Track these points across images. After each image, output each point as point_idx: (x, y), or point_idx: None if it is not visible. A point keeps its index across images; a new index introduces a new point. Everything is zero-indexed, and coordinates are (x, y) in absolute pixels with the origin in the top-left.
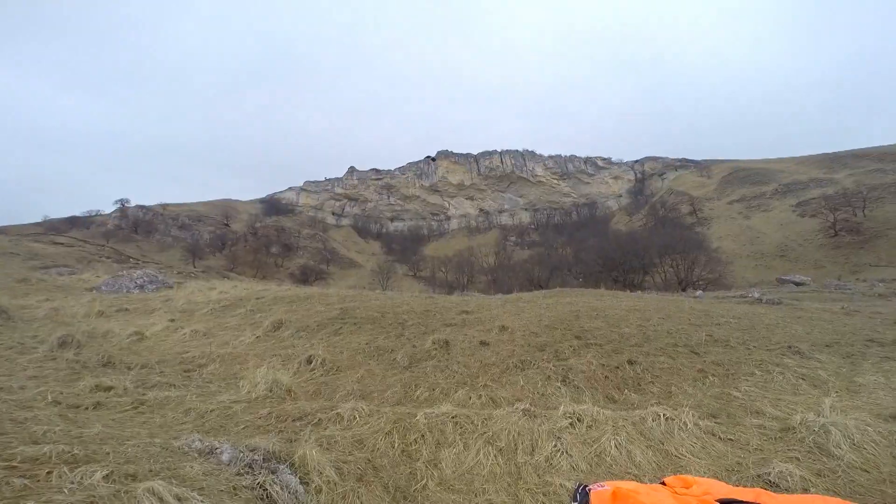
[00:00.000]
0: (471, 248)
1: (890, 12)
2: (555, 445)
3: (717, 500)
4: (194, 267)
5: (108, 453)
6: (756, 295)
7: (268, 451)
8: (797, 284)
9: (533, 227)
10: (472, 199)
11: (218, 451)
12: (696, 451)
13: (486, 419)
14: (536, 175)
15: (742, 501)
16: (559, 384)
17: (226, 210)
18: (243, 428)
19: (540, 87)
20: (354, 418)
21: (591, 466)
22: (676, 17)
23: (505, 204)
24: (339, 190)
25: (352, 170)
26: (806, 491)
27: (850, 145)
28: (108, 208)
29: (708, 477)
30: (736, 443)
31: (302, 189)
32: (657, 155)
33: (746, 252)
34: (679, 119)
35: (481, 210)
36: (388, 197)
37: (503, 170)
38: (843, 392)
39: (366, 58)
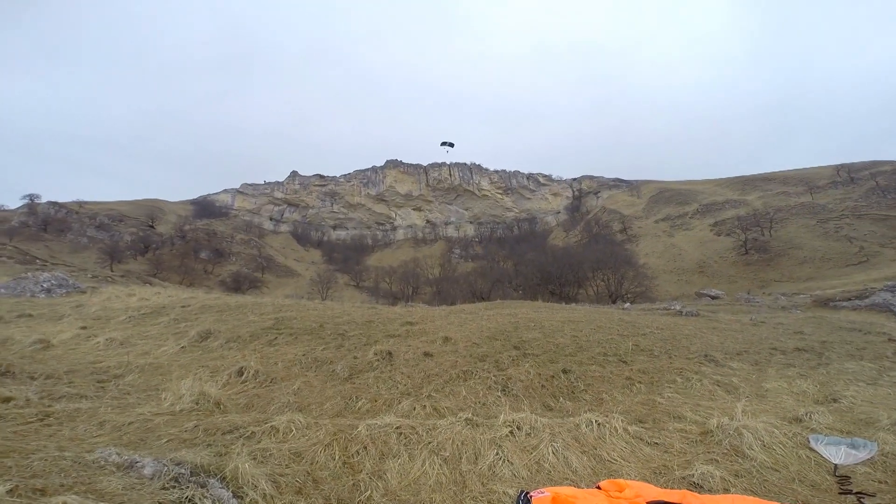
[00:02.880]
0: (416, 259)
1: (812, 44)
2: (497, 454)
3: (647, 503)
4: (112, 271)
5: (11, 467)
6: (677, 307)
7: (195, 465)
8: (713, 298)
9: (477, 240)
10: (419, 209)
11: (139, 464)
12: (627, 455)
13: (430, 429)
14: (482, 189)
15: (669, 503)
16: (499, 393)
17: (151, 210)
18: (166, 441)
19: (506, 98)
20: (291, 431)
21: (531, 473)
22: (639, 41)
23: (451, 216)
24: (279, 194)
25: (294, 174)
26: (727, 491)
27: (762, 169)
28: (14, 203)
29: (638, 480)
30: (661, 446)
31: (238, 191)
32: (594, 174)
33: (670, 268)
34: (622, 137)
35: (428, 221)
36: (332, 204)
37: (451, 182)
38: (753, 397)
39: (331, 50)
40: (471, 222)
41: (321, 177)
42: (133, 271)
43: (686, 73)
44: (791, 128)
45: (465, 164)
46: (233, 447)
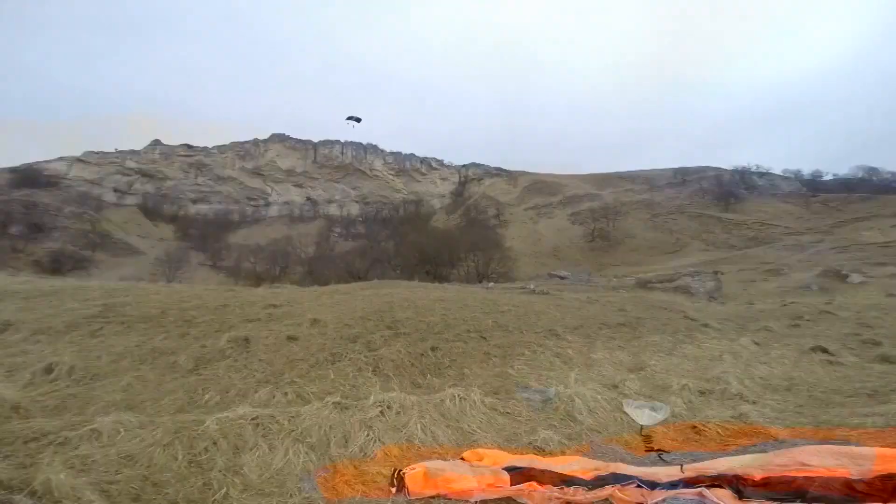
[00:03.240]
0: (289, 237)
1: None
2: (367, 434)
3: (502, 468)
4: None
5: None
6: (532, 287)
7: None
8: (561, 278)
9: (361, 219)
10: (300, 186)
11: None
12: (484, 425)
13: (293, 417)
14: (374, 169)
15: (520, 466)
16: (370, 374)
17: None
18: None
19: (422, 79)
20: (118, 433)
21: (402, 451)
22: (554, 40)
23: (336, 195)
24: (131, 164)
25: (156, 142)
26: (563, 453)
27: (620, 168)
28: None
29: (494, 448)
30: (512, 415)
31: (79, 160)
32: (480, 162)
33: (531, 251)
34: (518, 131)
35: (308, 198)
36: (197, 176)
37: (342, 160)
38: (583, 367)
39: (236, 11)
40: (356, 201)
41: (189, 146)
42: None
43: (585, 77)
44: (654, 133)
45: (361, 143)
46: (40, 456)
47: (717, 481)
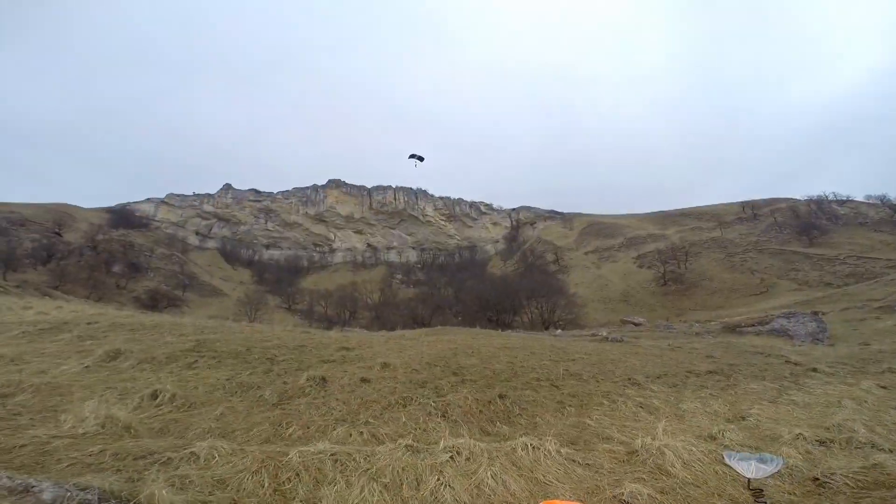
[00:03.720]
0: (355, 283)
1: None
2: (438, 479)
3: None
4: (5, 280)
5: None
6: (604, 333)
7: (104, 491)
8: (636, 325)
9: (419, 266)
10: (360, 232)
11: (36, 489)
12: (561, 476)
13: (368, 456)
14: (426, 214)
15: None
16: (439, 419)
17: (60, 216)
18: (67, 466)
19: (464, 120)
20: (214, 457)
21: (472, 497)
22: (594, 76)
23: (394, 241)
24: (208, 207)
25: (227, 187)
26: None
27: (681, 205)
28: None
29: (573, 500)
30: (592, 467)
31: (163, 202)
32: (530, 205)
33: (597, 297)
34: (566, 170)
35: (369, 245)
36: (266, 222)
37: (395, 206)
38: (672, 417)
39: (294, 58)
40: (413, 248)
41: (257, 192)
42: (31, 282)
43: (630, 111)
44: (712, 167)
45: (411, 188)
46: (147, 473)
47: None
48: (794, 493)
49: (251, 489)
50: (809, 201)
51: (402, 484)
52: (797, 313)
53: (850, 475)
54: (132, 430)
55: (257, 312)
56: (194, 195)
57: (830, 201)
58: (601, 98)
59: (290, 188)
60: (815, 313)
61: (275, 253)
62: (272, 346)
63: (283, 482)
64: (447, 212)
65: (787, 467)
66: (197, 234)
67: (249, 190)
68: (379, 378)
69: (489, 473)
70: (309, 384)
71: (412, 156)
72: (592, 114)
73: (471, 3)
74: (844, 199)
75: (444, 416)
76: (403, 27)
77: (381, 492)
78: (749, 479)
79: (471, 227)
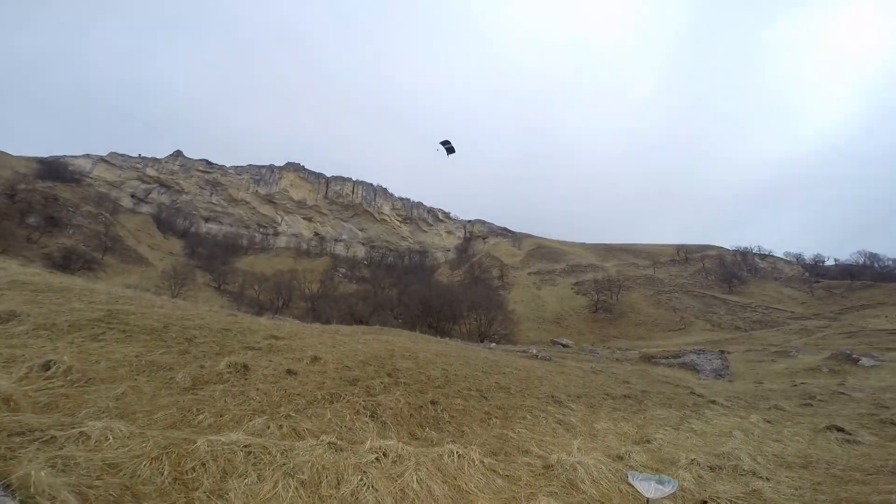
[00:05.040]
0: (295, 270)
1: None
2: (361, 479)
3: None
4: None
5: None
6: (534, 351)
7: None
8: (564, 346)
9: (366, 262)
10: (310, 220)
11: None
12: (482, 486)
13: (286, 450)
14: (382, 213)
15: None
16: (367, 419)
17: None
18: None
19: (445, 125)
20: (107, 439)
21: (395, 501)
22: (573, 101)
23: (343, 234)
24: (151, 172)
25: (178, 153)
26: None
27: (625, 238)
28: None
29: None
30: (511, 478)
31: (103, 159)
32: (485, 220)
33: (533, 316)
34: (529, 191)
35: (317, 234)
36: (212, 195)
37: (352, 199)
38: (587, 435)
39: (284, 31)
40: (363, 243)
41: (208, 163)
42: None
43: (605, 140)
44: (663, 204)
45: (371, 184)
46: (23, 451)
47: None
48: None
49: (148, 476)
50: (736, 252)
51: (320, 482)
52: (706, 350)
53: (734, 499)
54: (12, 403)
55: (182, 288)
56: (139, 157)
57: (754, 254)
58: (580, 123)
59: (244, 164)
60: (722, 352)
61: (213, 227)
62: (193, 325)
63: (187, 471)
64: (404, 213)
65: (681, 489)
66: (133, 196)
67: (201, 160)
68: (307, 371)
69: (415, 478)
70: (228, 370)
71: (444, 142)
72: (567, 138)
73: (467, 14)
74: (766, 253)
75: (373, 417)
76: (400, 24)
77: (296, 488)
78: (648, 499)
79: (426, 231)
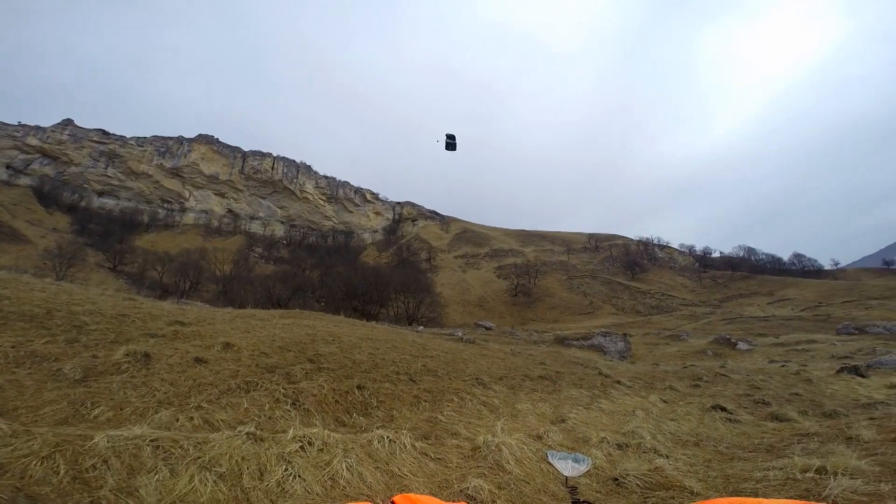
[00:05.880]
0: (204, 249)
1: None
2: (286, 469)
3: None
4: None
5: None
6: (459, 334)
7: None
8: (487, 329)
9: (285, 242)
10: (223, 195)
11: None
12: (415, 470)
13: (200, 443)
14: (305, 191)
15: None
16: (289, 407)
17: None
18: None
19: (391, 107)
20: None
21: (325, 489)
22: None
23: (261, 211)
24: (33, 141)
25: (67, 122)
26: (494, 503)
27: (545, 225)
28: None
29: (426, 494)
30: (442, 461)
31: None
32: (416, 202)
33: (459, 299)
34: (466, 176)
35: (230, 211)
36: (108, 167)
37: (271, 175)
38: (509, 416)
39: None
40: (282, 222)
41: (104, 133)
42: None
43: (544, 130)
44: (584, 195)
45: (294, 161)
46: None
47: None
48: (600, 492)
49: (41, 476)
50: (639, 241)
51: (241, 474)
52: (612, 333)
53: (640, 476)
54: None
55: (70, 269)
56: (19, 124)
57: (654, 244)
58: (523, 114)
59: (148, 136)
60: (625, 335)
61: (109, 201)
62: (83, 311)
63: (86, 469)
64: (329, 192)
65: (595, 467)
66: (8, 167)
67: (95, 130)
68: (218, 359)
69: (344, 465)
70: (127, 360)
71: (448, 136)
72: (510, 127)
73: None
74: (665, 244)
75: (295, 405)
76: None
77: (215, 482)
78: (566, 478)
79: (352, 212)
